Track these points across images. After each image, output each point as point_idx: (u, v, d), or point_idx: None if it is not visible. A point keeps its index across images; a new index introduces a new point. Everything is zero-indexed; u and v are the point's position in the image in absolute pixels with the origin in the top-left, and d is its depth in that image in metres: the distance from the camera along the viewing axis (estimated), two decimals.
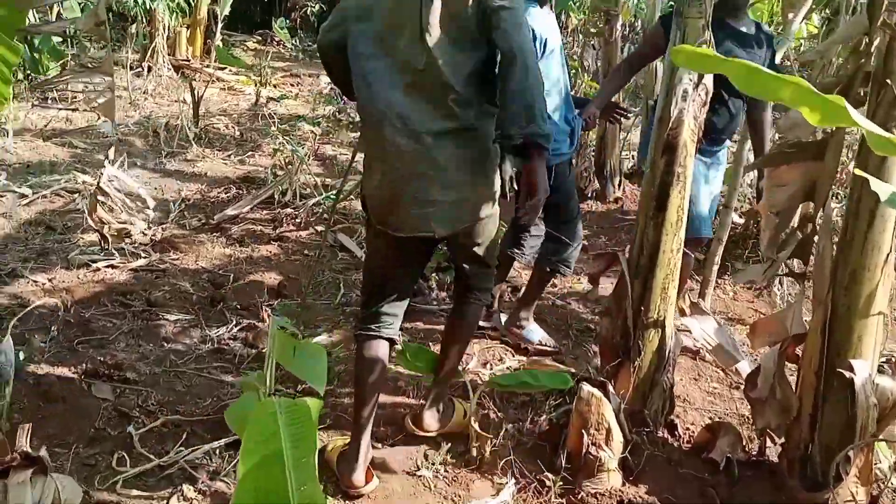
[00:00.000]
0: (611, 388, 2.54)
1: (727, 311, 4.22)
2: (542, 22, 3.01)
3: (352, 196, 5.11)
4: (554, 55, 3.07)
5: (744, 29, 3.16)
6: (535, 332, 3.37)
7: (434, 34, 2.10)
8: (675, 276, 2.61)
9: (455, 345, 2.59)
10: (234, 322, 3.38)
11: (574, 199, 3.28)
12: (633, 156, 6.30)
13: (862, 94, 2.32)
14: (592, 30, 6.59)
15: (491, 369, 3.15)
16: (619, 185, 6.00)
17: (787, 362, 2.42)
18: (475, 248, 2.41)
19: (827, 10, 5.97)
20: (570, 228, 3.22)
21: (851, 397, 2.20)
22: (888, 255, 2.20)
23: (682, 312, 2.57)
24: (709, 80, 2.55)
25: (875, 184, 1.86)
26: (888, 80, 2.14)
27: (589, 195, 6.04)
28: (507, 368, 3.16)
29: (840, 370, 2.22)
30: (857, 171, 1.94)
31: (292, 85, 9.93)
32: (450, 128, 2.17)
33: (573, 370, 2.88)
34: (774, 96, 1.53)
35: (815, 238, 2.35)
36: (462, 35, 2.14)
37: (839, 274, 2.24)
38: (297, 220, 4.79)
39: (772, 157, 2.44)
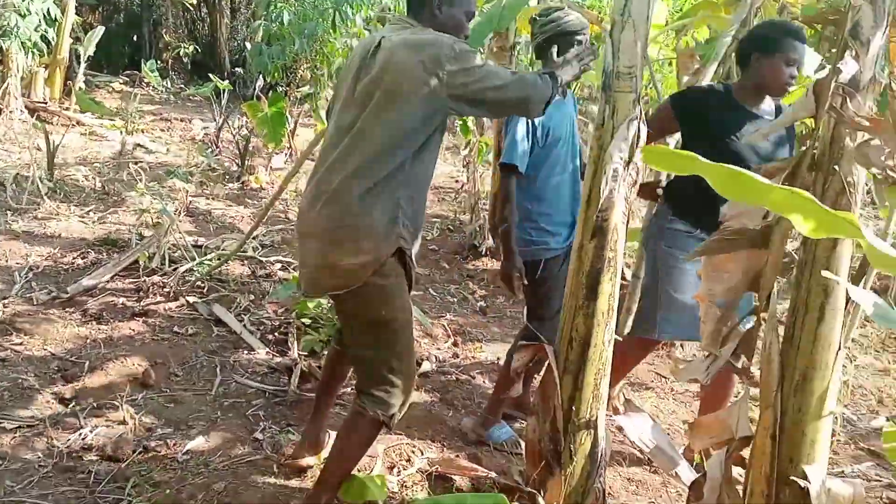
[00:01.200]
0: (541, 500, 2.24)
1: (630, 376, 4.08)
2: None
3: (235, 258, 4.63)
4: (560, 144, 3.01)
5: (763, 114, 2.87)
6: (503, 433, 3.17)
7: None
8: (606, 371, 2.37)
9: (332, 456, 2.42)
10: (89, 427, 2.82)
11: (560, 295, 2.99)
12: None
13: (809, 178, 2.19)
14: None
15: (399, 474, 2.77)
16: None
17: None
18: (346, 327, 2.47)
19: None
20: (553, 326, 2.94)
21: None
22: (838, 352, 2.04)
23: (615, 412, 2.34)
24: (639, 155, 2.36)
25: (856, 294, 1.68)
26: (835, 167, 2.00)
27: (483, 252, 5.86)
28: (418, 472, 2.79)
29: (794, 478, 2.02)
30: (827, 274, 1.77)
31: (162, 130, 9.26)
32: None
33: (493, 475, 2.56)
34: (760, 201, 1.31)
35: (761, 333, 2.17)
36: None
37: (788, 373, 2.06)
38: (166, 290, 4.24)
39: (712, 245, 2.26)
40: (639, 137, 2.35)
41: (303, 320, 3.98)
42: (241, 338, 3.82)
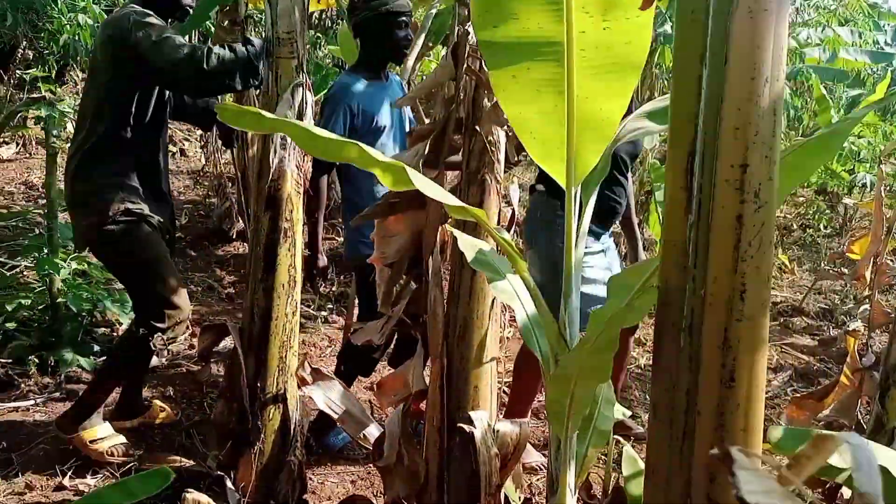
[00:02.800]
0: (229, 483, 2.17)
1: None
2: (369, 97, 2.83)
3: None
4: (385, 133, 2.87)
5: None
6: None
7: None
8: (293, 343, 2.34)
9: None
10: None
11: None
12: None
13: (458, 140, 2.28)
14: None
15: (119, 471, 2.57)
16: None
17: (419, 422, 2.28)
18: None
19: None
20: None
21: (473, 451, 2.11)
22: (493, 300, 2.16)
23: (302, 381, 2.32)
24: (309, 122, 2.34)
25: (462, 242, 1.77)
26: (477, 127, 2.10)
27: (233, 236, 5.65)
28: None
29: (460, 424, 2.12)
30: (449, 228, 1.84)
31: None
32: None
33: (189, 462, 2.45)
34: (340, 157, 1.32)
35: (428, 290, 2.25)
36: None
37: (451, 325, 2.15)
38: None
39: (378, 209, 2.30)
40: (305, 103, 2.32)
41: (7, 325, 3.58)
42: None
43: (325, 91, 3.11)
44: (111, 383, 2.77)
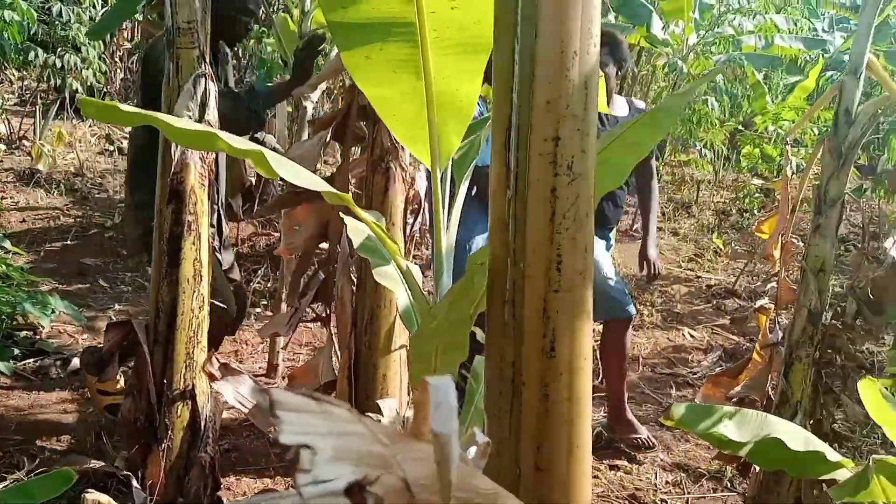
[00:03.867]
0: (135, 482, 2.14)
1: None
2: None
3: None
4: None
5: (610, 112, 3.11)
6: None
7: None
8: (201, 338, 2.31)
9: None
10: None
11: None
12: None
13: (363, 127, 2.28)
14: None
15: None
16: None
17: None
18: None
19: None
20: None
21: None
22: None
23: (211, 378, 2.29)
24: (213, 114, 2.30)
25: (350, 228, 1.76)
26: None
27: None
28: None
29: (368, 414, 2.11)
30: (343, 216, 1.83)
31: None
32: None
33: (100, 464, 2.40)
34: (208, 147, 1.30)
35: (335, 279, 2.24)
36: None
37: (359, 313, 2.15)
38: None
39: (285, 198, 2.28)
40: (208, 94, 2.28)
41: None
42: None
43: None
44: None
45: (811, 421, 2.59)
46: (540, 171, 0.81)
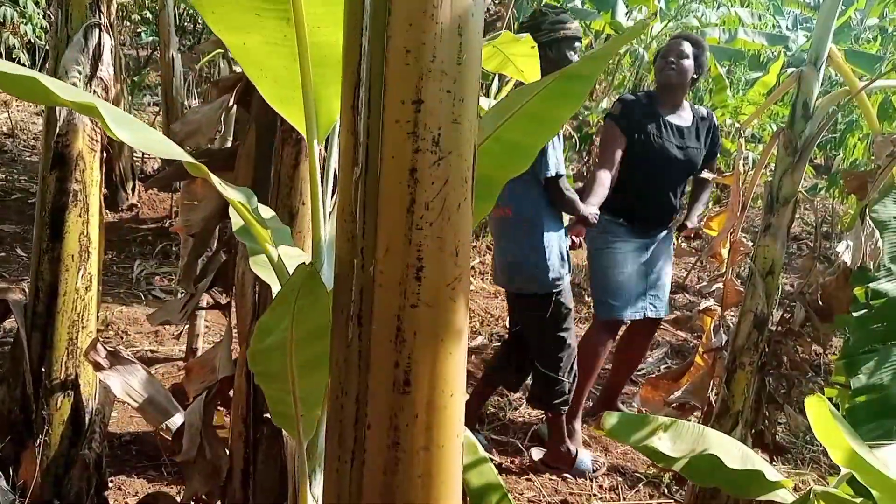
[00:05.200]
0: (3, 481, 1.89)
1: None
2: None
3: None
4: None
5: (677, 121, 3.22)
6: (585, 459, 3.10)
7: None
8: (88, 322, 2.06)
9: None
10: None
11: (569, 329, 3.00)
12: (145, 157, 5.64)
13: None
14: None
15: None
16: (134, 191, 5.30)
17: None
18: None
19: None
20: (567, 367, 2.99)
21: (282, 443, 1.89)
22: None
23: (96, 367, 2.05)
24: (108, 70, 2.04)
25: (234, 215, 1.53)
26: None
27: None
28: None
29: (268, 416, 1.90)
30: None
31: None
32: None
33: None
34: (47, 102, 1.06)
35: (237, 262, 2.00)
36: None
37: (261, 302, 1.92)
38: None
39: (180, 169, 2.03)
40: (101, 47, 2.02)
41: None
42: None
43: None
44: None
45: (753, 431, 2.46)
46: (396, 144, 0.61)
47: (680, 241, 3.41)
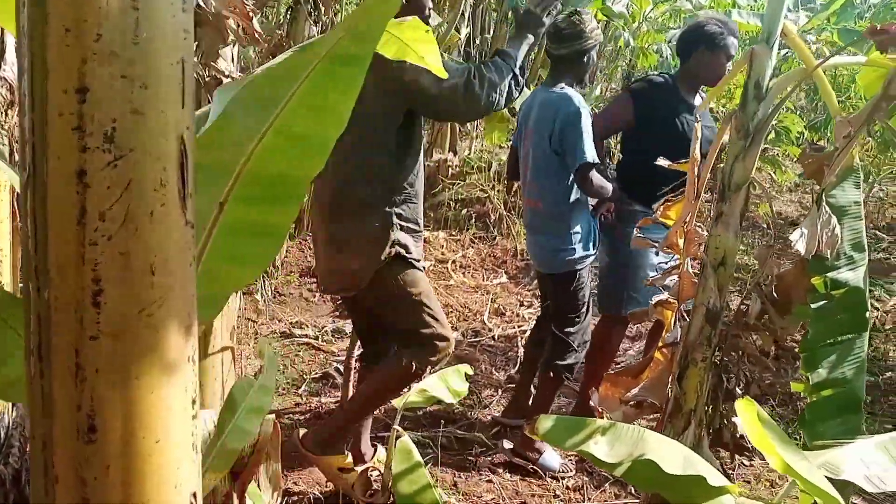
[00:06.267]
0: None
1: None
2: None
3: None
4: None
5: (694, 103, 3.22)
6: (553, 458, 3.07)
7: None
8: None
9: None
10: None
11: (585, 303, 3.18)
12: None
13: None
14: None
15: None
16: None
17: None
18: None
19: None
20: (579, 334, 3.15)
21: None
22: None
23: None
24: (11, 70, 1.94)
25: None
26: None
27: None
28: None
29: None
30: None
31: None
32: None
33: None
34: None
35: None
36: None
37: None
38: None
39: None
40: (4, 44, 1.92)
41: None
42: None
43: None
44: (372, 409, 2.77)
45: (710, 430, 2.34)
46: (61, 141, 0.50)
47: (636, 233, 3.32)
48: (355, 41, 0.73)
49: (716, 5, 8.59)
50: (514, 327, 4.47)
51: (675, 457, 1.82)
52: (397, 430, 2.22)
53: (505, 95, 2.42)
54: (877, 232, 7.51)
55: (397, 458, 2.05)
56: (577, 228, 3.08)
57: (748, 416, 1.63)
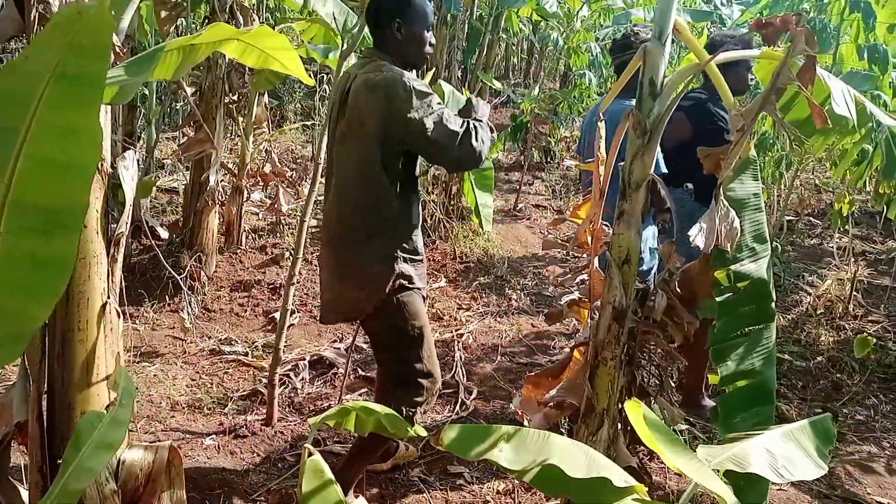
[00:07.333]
0: None
1: (142, 346, 3.75)
2: None
3: None
4: None
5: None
6: None
7: None
8: None
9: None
10: None
11: None
12: None
13: None
14: None
15: None
16: None
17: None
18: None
19: None
20: None
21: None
22: (105, 305, 1.77)
23: None
24: None
25: None
26: None
27: None
28: None
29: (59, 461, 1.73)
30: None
31: None
32: None
33: None
34: None
35: None
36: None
37: (48, 338, 1.75)
38: None
39: None
40: None
41: None
42: None
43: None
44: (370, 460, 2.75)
45: (629, 429, 2.34)
46: None
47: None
48: (82, 58, 0.69)
49: (648, 2, 8.71)
50: (451, 332, 4.44)
51: (578, 460, 1.80)
52: (308, 449, 2.17)
53: (486, 154, 2.50)
54: (811, 219, 7.68)
55: (306, 478, 2.00)
56: (644, 239, 2.96)
57: (635, 417, 1.62)
